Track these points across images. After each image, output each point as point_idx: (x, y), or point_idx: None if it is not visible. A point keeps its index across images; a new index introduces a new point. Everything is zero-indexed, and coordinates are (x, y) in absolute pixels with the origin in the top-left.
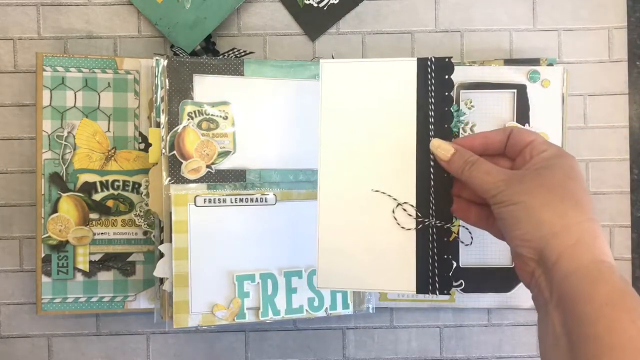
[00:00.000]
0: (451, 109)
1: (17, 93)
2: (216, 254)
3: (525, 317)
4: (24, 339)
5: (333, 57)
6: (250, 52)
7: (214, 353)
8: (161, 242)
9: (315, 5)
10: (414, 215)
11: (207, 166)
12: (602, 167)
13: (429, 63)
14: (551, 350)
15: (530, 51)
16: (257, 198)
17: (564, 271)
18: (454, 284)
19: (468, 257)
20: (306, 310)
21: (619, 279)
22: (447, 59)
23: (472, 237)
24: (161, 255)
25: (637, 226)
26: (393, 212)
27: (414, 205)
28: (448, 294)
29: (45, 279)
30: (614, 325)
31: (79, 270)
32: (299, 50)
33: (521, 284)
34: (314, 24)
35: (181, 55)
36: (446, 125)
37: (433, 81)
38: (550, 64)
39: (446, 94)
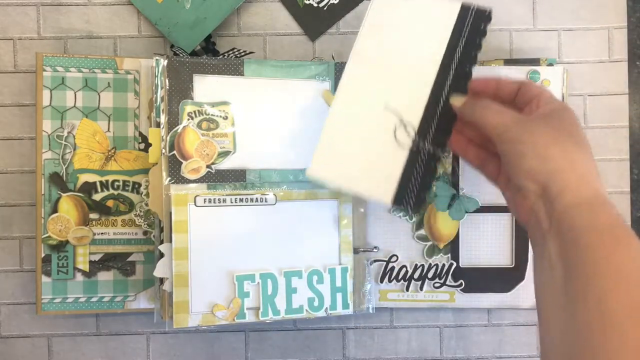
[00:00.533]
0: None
1: (17, 93)
2: (216, 254)
3: (525, 317)
4: (24, 339)
5: (333, 58)
6: (250, 52)
7: (214, 353)
8: (161, 242)
9: (315, 5)
10: (413, 137)
11: (207, 166)
12: (602, 167)
13: (470, 10)
14: (545, 280)
15: (530, 51)
16: (257, 198)
17: (566, 202)
18: (454, 283)
19: (468, 257)
20: (306, 310)
21: (618, 215)
22: (487, 12)
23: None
24: (161, 255)
25: (637, 226)
26: (395, 128)
27: (416, 127)
28: (417, 213)
29: (45, 279)
30: (611, 252)
31: (79, 270)
32: (299, 50)
33: (521, 284)
34: (314, 24)
35: (181, 55)
36: (468, 68)
37: (469, 26)
38: (550, 64)
39: (477, 40)
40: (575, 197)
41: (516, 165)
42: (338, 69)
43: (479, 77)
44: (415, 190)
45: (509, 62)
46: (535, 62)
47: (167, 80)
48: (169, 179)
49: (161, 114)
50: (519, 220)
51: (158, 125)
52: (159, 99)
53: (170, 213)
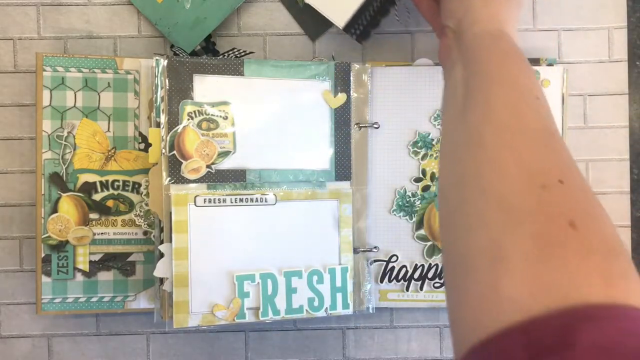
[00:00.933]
0: None
1: (17, 93)
2: (216, 254)
3: None
4: (24, 339)
5: (333, 58)
6: (250, 52)
7: (214, 353)
8: (161, 242)
9: None
10: None
11: (207, 166)
12: (602, 167)
13: None
14: (449, 102)
15: (530, 51)
16: (257, 198)
17: (474, 32)
18: None
19: None
20: (306, 310)
21: (518, 46)
22: None
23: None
24: (161, 255)
25: (637, 226)
26: None
27: None
28: (360, 42)
29: (45, 279)
30: (502, 65)
31: (79, 270)
32: (299, 50)
33: None
34: (314, 24)
35: (181, 55)
36: None
37: None
38: (550, 64)
39: None
40: (482, 29)
41: (443, 6)
42: (338, 69)
43: None
44: (365, 23)
45: None
46: (535, 62)
47: (167, 80)
48: (169, 179)
49: (161, 114)
50: (440, 61)
51: (158, 125)
52: (159, 99)
53: (170, 213)
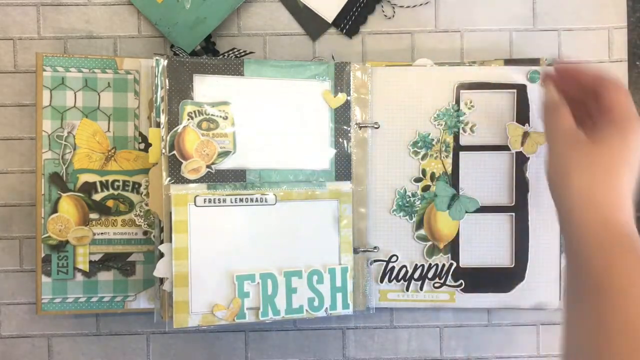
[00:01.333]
0: (451, 108)
1: (17, 93)
2: (216, 254)
3: (525, 317)
4: (24, 339)
5: (333, 58)
6: (250, 52)
7: (214, 353)
8: (161, 242)
9: None
10: None
11: (207, 166)
12: None
13: None
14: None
15: (530, 51)
16: (257, 198)
17: (574, 227)
18: (454, 283)
19: (468, 257)
20: (306, 310)
21: (624, 234)
22: None
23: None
24: (161, 255)
25: (637, 226)
26: None
27: None
28: (350, 36)
29: (45, 279)
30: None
31: (79, 270)
32: (299, 50)
33: (521, 284)
34: (314, 24)
35: (181, 55)
36: None
37: None
38: (551, 64)
39: None
40: (580, 224)
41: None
42: (338, 69)
43: (561, 62)
44: (353, 18)
45: (509, 62)
46: (535, 62)
47: (167, 80)
48: (169, 179)
49: (161, 114)
50: None
51: (158, 125)
52: (159, 99)
53: (170, 213)
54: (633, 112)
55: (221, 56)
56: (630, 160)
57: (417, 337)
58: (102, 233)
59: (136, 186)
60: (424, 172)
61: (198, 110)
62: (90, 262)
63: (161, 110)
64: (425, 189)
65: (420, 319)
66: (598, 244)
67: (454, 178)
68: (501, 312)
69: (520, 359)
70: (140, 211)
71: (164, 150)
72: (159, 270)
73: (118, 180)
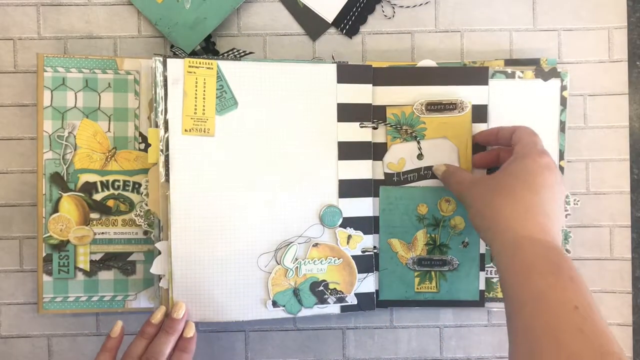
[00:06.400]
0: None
1: (17, 93)
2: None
3: None
4: (24, 339)
5: (333, 58)
6: (250, 52)
7: (214, 353)
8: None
9: None
10: None
11: None
12: (602, 167)
13: None
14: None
15: (530, 51)
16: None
17: (496, 249)
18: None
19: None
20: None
21: (535, 253)
22: None
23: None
24: (158, 253)
25: (637, 226)
26: None
27: None
28: (350, 36)
29: (46, 278)
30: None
31: (80, 269)
32: (299, 50)
33: None
34: (314, 24)
35: (181, 55)
36: None
37: None
38: (550, 64)
39: None
40: (500, 244)
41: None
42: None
43: (484, 131)
44: (353, 19)
45: (509, 62)
46: (535, 62)
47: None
48: (165, 177)
49: (160, 114)
50: None
51: (157, 125)
52: (158, 99)
53: (167, 212)
54: (534, 143)
55: (221, 56)
56: (529, 182)
57: (417, 337)
58: (102, 233)
59: (136, 186)
60: None
61: None
62: (91, 261)
63: (159, 111)
64: None
65: (420, 319)
66: (503, 262)
67: None
68: (501, 312)
69: None
70: (141, 211)
71: (162, 148)
72: (156, 267)
73: (118, 180)
